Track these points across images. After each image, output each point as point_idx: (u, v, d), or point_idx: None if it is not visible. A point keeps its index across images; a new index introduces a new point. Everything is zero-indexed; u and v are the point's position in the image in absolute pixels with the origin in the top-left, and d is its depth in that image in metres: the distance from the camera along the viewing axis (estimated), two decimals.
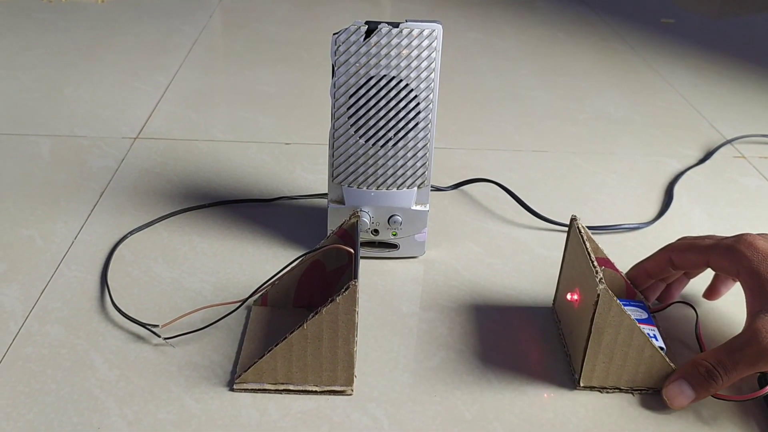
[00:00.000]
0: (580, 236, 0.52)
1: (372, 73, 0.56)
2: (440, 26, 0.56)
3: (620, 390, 0.51)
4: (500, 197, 0.75)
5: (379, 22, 0.55)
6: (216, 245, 0.65)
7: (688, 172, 0.83)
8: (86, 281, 0.59)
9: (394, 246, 0.64)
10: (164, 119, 0.90)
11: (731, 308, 0.59)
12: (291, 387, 0.49)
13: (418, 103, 0.57)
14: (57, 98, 0.94)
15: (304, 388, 0.49)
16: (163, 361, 0.51)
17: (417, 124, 0.58)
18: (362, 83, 0.57)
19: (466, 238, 0.68)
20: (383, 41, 0.55)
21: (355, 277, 0.47)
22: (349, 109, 0.58)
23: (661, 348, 0.51)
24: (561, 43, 1.27)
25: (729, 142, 0.91)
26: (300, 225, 0.68)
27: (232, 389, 0.49)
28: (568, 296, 0.54)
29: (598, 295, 0.47)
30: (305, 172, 0.78)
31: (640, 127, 0.95)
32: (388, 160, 0.60)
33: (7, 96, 0.94)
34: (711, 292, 0.59)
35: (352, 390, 0.49)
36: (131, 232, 0.66)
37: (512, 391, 0.50)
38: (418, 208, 0.62)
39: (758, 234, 0.52)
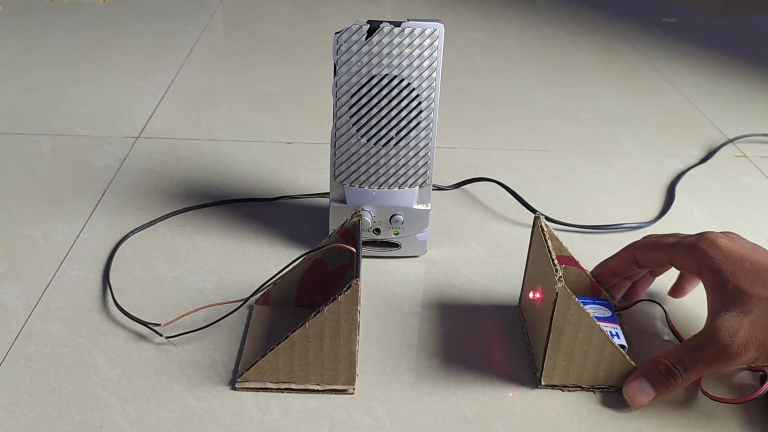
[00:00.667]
0: (543, 235, 0.52)
1: (374, 72, 0.56)
2: (442, 25, 0.56)
3: (582, 388, 0.50)
4: (502, 196, 0.75)
5: (381, 22, 0.55)
6: (218, 244, 0.65)
7: (690, 172, 0.83)
8: (88, 280, 0.59)
9: (396, 245, 0.64)
10: (166, 119, 0.90)
11: (698, 305, 0.59)
12: (293, 386, 0.49)
13: (419, 103, 0.57)
14: (59, 98, 0.94)
15: (305, 387, 0.49)
16: (165, 360, 0.51)
17: (419, 124, 0.58)
18: (364, 82, 0.57)
19: (468, 237, 0.68)
20: (385, 40, 0.55)
21: (357, 276, 0.47)
22: (350, 108, 0.58)
23: (623, 346, 0.51)
24: (562, 43, 1.27)
25: (731, 141, 0.91)
26: (302, 224, 0.69)
27: (233, 388, 0.49)
28: (531, 295, 0.54)
29: (557, 293, 0.47)
30: (307, 172, 0.79)
31: (641, 127, 0.95)
32: (390, 160, 0.60)
33: (9, 95, 0.94)
34: (676, 290, 0.59)
35: (354, 389, 0.49)
36: (133, 232, 0.66)
37: (513, 390, 0.50)
38: (420, 207, 0.62)
39: (721, 232, 0.52)
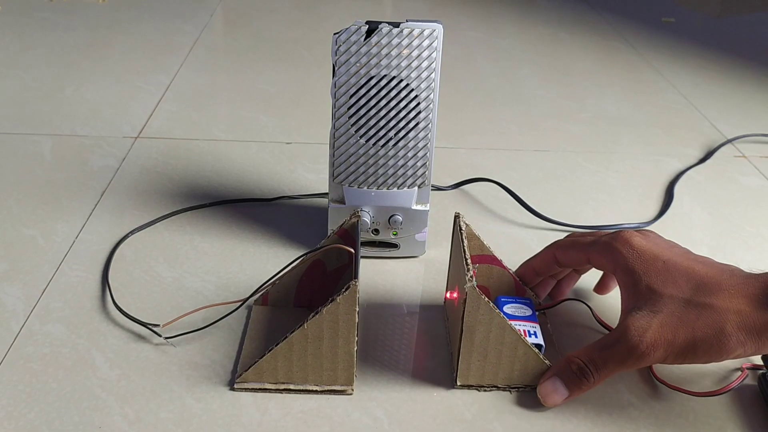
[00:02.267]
0: (460, 234, 0.52)
1: (372, 72, 0.56)
2: (441, 26, 0.56)
3: (498, 388, 0.50)
4: (501, 197, 0.75)
5: (380, 22, 0.55)
6: (217, 245, 0.65)
7: (689, 172, 0.83)
8: (87, 281, 0.59)
9: (395, 246, 0.64)
10: (165, 118, 0.90)
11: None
12: (291, 386, 0.49)
13: (418, 103, 0.58)
14: (58, 97, 0.94)
15: (304, 388, 0.49)
16: (164, 361, 0.51)
17: (417, 124, 0.58)
18: (363, 83, 0.57)
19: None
20: (384, 41, 0.56)
21: (356, 276, 0.47)
22: (349, 108, 0.58)
23: (539, 345, 0.51)
24: (562, 43, 1.27)
25: (730, 141, 0.91)
26: (301, 225, 0.69)
27: (232, 389, 0.49)
28: (448, 295, 0.54)
29: (467, 293, 0.47)
30: (306, 172, 0.79)
31: (641, 127, 0.95)
32: (389, 160, 0.60)
33: (8, 95, 0.94)
34: (601, 287, 0.59)
35: (353, 389, 0.50)
36: (132, 232, 0.66)
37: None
38: (419, 207, 0.62)
39: (637, 231, 0.52)
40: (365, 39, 0.55)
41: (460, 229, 0.52)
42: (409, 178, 0.61)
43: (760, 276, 0.47)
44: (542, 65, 1.15)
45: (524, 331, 0.51)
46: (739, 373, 0.52)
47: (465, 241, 0.51)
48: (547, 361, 0.50)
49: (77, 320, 0.55)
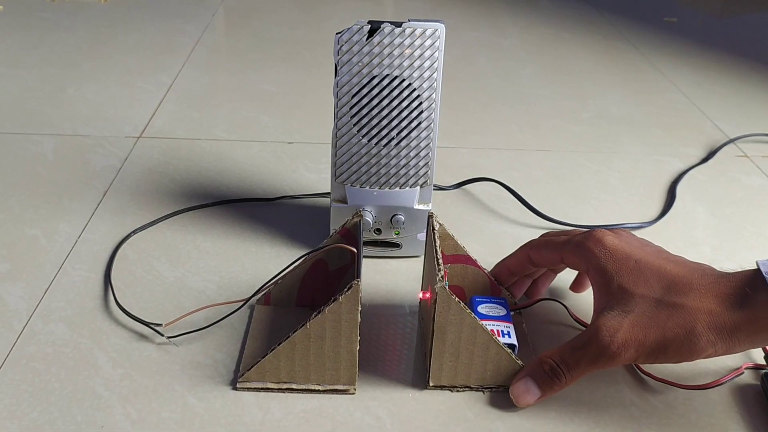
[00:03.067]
0: (433, 234, 0.52)
1: (375, 72, 0.56)
2: (443, 26, 0.56)
3: (470, 388, 0.50)
4: (503, 196, 0.75)
5: (382, 22, 0.55)
6: (219, 244, 0.65)
7: (691, 171, 0.83)
8: (90, 280, 0.60)
9: (397, 245, 0.64)
10: (167, 118, 0.90)
11: None
12: (294, 386, 0.49)
13: (420, 103, 0.58)
14: (60, 97, 0.94)
15: (307, 387, 0.49)
16: (167, 360, 0.52)
17: (419, 124, 0.58)
18: (365, 83, 0.57)
19: (469, 237, 0.68)
20: (386, 41, 0.56)
21: (358, 276, 0.47)
22: (351, 108, 0.58)
23: (512, 345, 0.50)
24: (564, 42, 1.27)
25: (732, 141, 0.91)
26: (303, 224, 0.69)
27: (235, 388, 0.49)
28: (420, 295, 0.54)
29: (437, 293, 0.47)
30: (308, 172, 0.79)
31: (642, 126, 0.95)
32: (391, 160, 0.60)
33: (10, 95, 0.94)
34: (577, 285, 0.59)
35: (355, 389, 0.50)
36: (134, 231, 0.66)
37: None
38: (421, 207, 0.62)
39: (610, 230, 0.52)
40: (367, 39, 0.55)
41: (433, 228, 0.52)
42: (411, 177, 0.61)
43: (731, 275, 0.46)
44: (544, 65, 1.15)
45: (497, 331, 0.51)
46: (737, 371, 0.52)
47: (437, 241, 0.51)
48: (519, 361, 0.49)
49: (80, 320, 0.55)
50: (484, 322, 0.48)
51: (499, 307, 0.54)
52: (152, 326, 0.54)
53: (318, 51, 1.16)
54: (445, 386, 0.50)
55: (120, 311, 0.56)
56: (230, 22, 1.29)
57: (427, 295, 0.52)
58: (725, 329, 0.44)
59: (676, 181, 0.80)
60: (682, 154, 0.88)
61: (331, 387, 0.49)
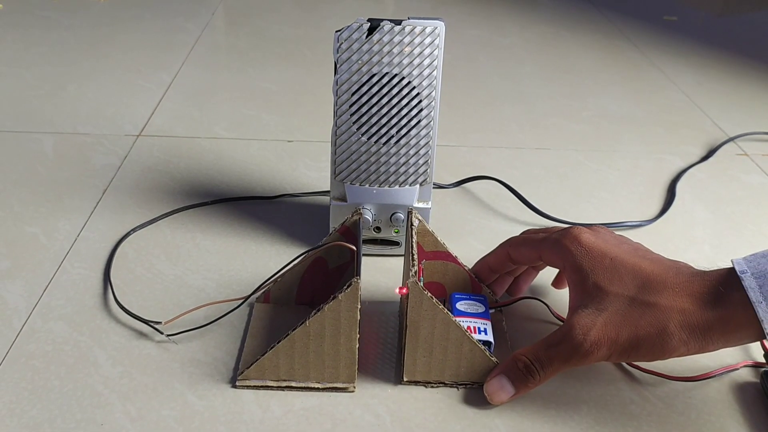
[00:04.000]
0: (411, 230, 0.52)
1: (374, 70, 0.56)
2: (443, 24, 0.56)
3: (445, 384, 0.50)
4: (502, 195, 0.75)
5: (382, 20, 0.55)
6: (219, 242, 0.65)
7: (691, 170, 0.83)
8: (89, 278, 0.60)
9: (396, 243, 0.64)
10: (167, 116, 0.90)
11: None
12: (293, 384, 0.49)
13: (420, 101, 0.58)
14: (60, 96, 0.94)
15: (306, 385, 0.49)
16: (166, 358, 0.52)
17: (419, 122, 0.58)
18: (365, 81, 0.57)
19: (469, 235, 0.68)
20: (386, 39, 0.55)
21: (357, 274, 0.47)
22: (351, 106, 0.58)
23: (488, 342, 0.50)
24: (564, 41, 1.27)
25: (732, 139, 0.91)
26: (302, 222, 0.69)
27: (234, 386, 0.49)
28: (397, 290, 0.54)
29: (409, 288, 0.47)
30: (308, 170, 0.79)
31: (642, 125, 0.95)
32: (391, 158, 0.60)
33: (10, 93, 0.94)
34: (558, 282, 0.59)
35: (355, 387, 0.50)
36: (134, 230, 0.66)
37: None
38: (421, 205, 0.62)
39: (587, 227, 0.51)
40: (367, 37, 0.55)
41: (412, 224, 0.52)
42: (410, 175, 0.61)
43: (706, 274, 0.46)
44: (544, 63, 1.15)
45: (474, 327, 0.51)
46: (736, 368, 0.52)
47: (414, 237, 0.51)
48: (494, 358, 0.49)
49: (79, 318, 0.55)
50: (461, 319, 0.48)
51: (477, 304, 0.54)
52: (152, 324, 0.54)
53: (318, 49, 1.16)
54: (419, 382, 0.50)
55: (119, 309, 0.56)
56: (230, 20, 1.29)
57: (404, 290, 0.52)
58: (698, 328, 0.44)
59: (676, 179, 0.80)
60: (682, 152, 0.88)
61: (331, 385, 0.49)
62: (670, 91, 1.07)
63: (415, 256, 0.49)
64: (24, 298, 0.57)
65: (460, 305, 0.53)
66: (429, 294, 0.46)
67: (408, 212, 0.54)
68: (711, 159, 0.86)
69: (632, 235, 0.69)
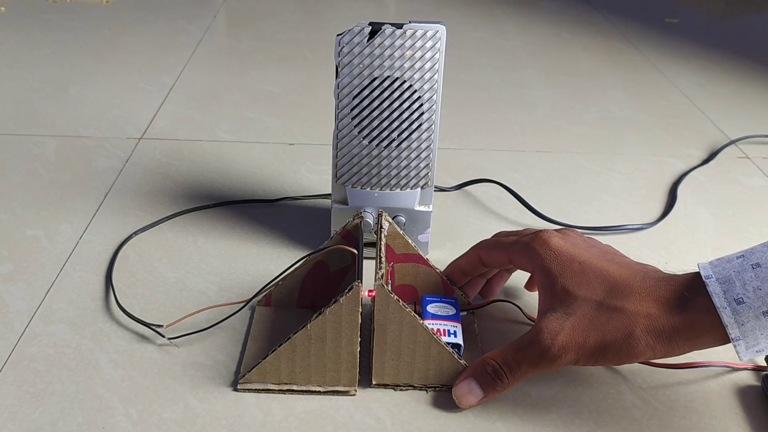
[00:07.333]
0: (380, 232, 0.52)
1: (375, 74, 0.57)
2: (444, 27, 0.56)
3: (414, 387, 0.50)
4: (504, 198, 0.75)
5: (383, 23, 0.55)
6: (220, 245, 0.65)
7: (692, 173, 0.83)
8: (91, 281, 0.60)
9: None
10: (169, 119, 0.90)
11: None
12: (294, 387, 0.49)
13: (421, 104, 0.58)
14: (62, 98, 0.95)
15: (307, 389, 0.49)
16: (168, 361, 0.52)
17: (420, 125, 0.58)
18: (366, 84, 0.57)
19: (470, 238, 0.68)
20: (387, 42, 0.56)
21: (359, 277, 0.47)
22: (352, 110, 0.58)
23: (457, 345, 0.50)
24: (565, 43, 1.27)
25: (733, 142, 0.91)
26: (304, 226, 0.69)
27: (236, 389, 0.49)
28: (366, 293, 0.54)
29: (375, 291, 0.47)
30: (309, 173, 0.79)
31: (644, 128, 0.95)
32: (392, 161, 0.60)
33: (12, 96, 0.95)
34: (531, 284, 0.59)
35: (356, 390, 0.50)
36: (136, 233, 0.66)
37: (516, 392, 0.51)
38: (422, 208, 0.62)
39: (557, 230, 0.51)
40: (368, 40, 0.56)
41: (381, 227, 0.52)
42: (412, 179, 0.61)
43: (673, 278, 0.46)
44: (545, 66, 1.15)
45: (443, 330, 0.51)
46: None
47: (383, 239, 0.51)
48: (462, 361, 0.49)
49: (81, 321, 0.55)
50: (431, 321, 0.48)
51: (448, 306, 0.53)
52: (153, 327, 0.54)
53: (320, 52, 1.16)
54: (388, 385, 0.50)
55: (121, 312, 0.56)
56: (232, 23, 1.30)
57: (373, 293, 0.52)
58: (663, 333, 0.44)
59: (678, 182, 0.80)
60: (684, 155, 0.88)
61: (332, 388, 0.49)
62: (671, 93, 1.07)
63: (383, 259, 0.49)
64: (26, 301, 0.57)
65: (431, 308, 0.53)
66: (396, 297, 0.46)
67: (378, 215, 0.54)
68: (712, 162, 0.86)
69: (634, 238, 0.70)
